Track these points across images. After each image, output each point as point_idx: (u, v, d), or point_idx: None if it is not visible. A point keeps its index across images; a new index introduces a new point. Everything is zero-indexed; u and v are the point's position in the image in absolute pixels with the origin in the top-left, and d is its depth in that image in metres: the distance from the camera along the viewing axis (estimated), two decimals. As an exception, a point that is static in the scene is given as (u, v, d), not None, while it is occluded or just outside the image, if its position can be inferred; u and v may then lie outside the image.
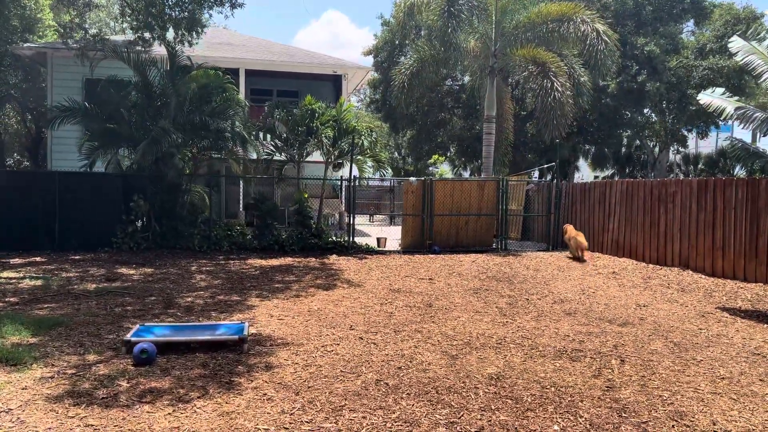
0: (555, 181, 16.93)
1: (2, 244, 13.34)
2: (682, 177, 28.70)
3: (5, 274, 10.52)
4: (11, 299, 8.43)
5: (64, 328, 6.86)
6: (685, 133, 29.50)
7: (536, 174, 28.83)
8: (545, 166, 20.96)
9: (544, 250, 15.92)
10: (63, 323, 7.06)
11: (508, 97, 21.23)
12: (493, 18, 18.19)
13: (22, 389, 4.89)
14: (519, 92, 28.42)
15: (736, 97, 9.15)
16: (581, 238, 14.00)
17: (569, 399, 5.02)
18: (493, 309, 8.65)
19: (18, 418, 4.32)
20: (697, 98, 9.36)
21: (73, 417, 4.36)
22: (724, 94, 9.10)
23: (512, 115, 21.49)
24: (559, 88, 16.62)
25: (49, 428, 4.16)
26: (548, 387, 5.31)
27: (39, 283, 9.73)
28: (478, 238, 16.16)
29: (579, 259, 13.80)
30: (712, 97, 8.95)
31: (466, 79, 29.31)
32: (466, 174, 35.72)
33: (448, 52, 18.43)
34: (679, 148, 30.78)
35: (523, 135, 27.47)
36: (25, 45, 19.39)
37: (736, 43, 8.91)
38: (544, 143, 25.52)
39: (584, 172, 42.35)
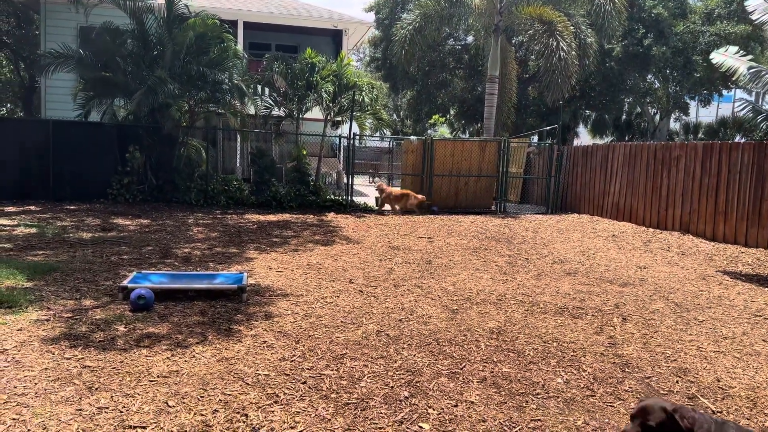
0: (557, 143, 16.74)
1: (-4, 192, 13.19)
2: (682, 145, 28.47)
3: (-1, 221, 10.38)
4: (5, 245, 8.30)
5: (59, 274, 6.75)
6: (688, 100, 29.15)
7: (535, 138, 28.58)
8: (546, 128, 20.70)
9: (543, 213, 15.85)
10: (58, 269, 6.95)
11: (512, 57, 20.83)
12: (500, -26, 17.70)
13: (18, 330, 4.81)
14: (522, 54, 27.94)
15: (750, 56, 8.91)
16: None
17: (572, 354, 4.98)
18: (492, 267, 8.59)
19: (13, 358, 4.24)
20: (710, 57, 9.13)
21: (69, 358, 4.28)
22: (737, 53, 8.87)
23: (516, 76, 21.12)
24: (565, 48, 16.28)
25: (45, 368, 4.08)
26: (550, 342, 5.26)
27: (33, 230, 9.59)
28: (477, 200, 16.05)
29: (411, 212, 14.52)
30: (726, 57, 8.73)
31: (469, 39, 28.76)
32: (465, 136, 35.38)
33: (452, 8, 17.99)
34: (682, 116, 30.47)
35: (524, 98, 27.10)
36: (18, -10, 18.83)
37: (753, 1, 8.64)
38: (545, 107, 25.21)
39: (583, 139, 42.07)
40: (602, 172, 14.59)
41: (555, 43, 16.42)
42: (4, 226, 9.89)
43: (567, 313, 6.25)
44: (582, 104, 29.30)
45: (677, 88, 27.37)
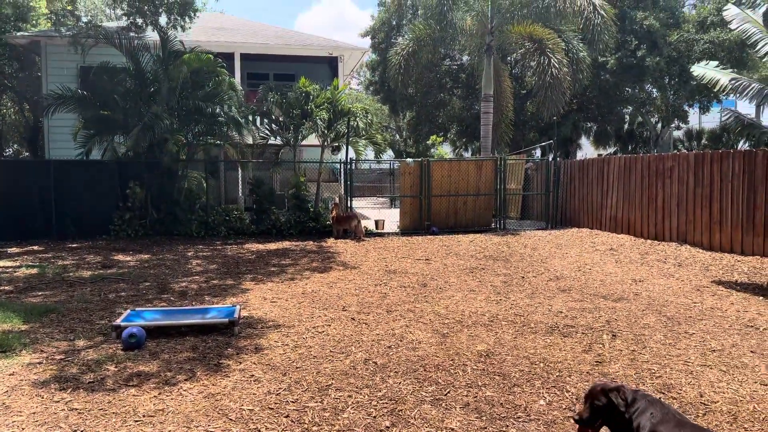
0: (554, 159, 16.81)
1: (0, 233, 13.38)
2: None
3: (1, 263, 10.55)
4: (6, 288, 8.44)
5: (56, 315, 6.87)
6: (687, 108, 29.20)
7: (538, 152, 28.67)
8: (545, 143, 20.82)
9: (543, 229, 15.87)
10: (55, 310, 7.07)
11: (506, 75, 20.99)
12: (489, -5, 17.94)
13: (9, 375, 4.90)
14: (518, 70, 28.15)
15: (731, 69, 9.00)
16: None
17: (557, 374, 5.01)
18: (487, 287, 8.63)
19: (3, 403, 4.33)
20: (691, 70, 9.22)
21: (58, 401, 4.37)
22: (718, 66, 8.96)
23: (511, 93, 21.28)
24: (556, 65, 16.44)
25: (34, 412, 4.17)
26: (537, 363, 5.29)
27: (35, 271, 9.75)
28: (477, 218, 16.11)
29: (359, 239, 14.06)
30: (706, 69, 8.82)
31: (465, 58, 29.05)
32: (467, 154, 35.53)
33: (444, 31, 18.24)
34: (680, 124, 30.52)
35: (523, 114, 27.24)
36: (19, 34, 19.25)
37: (730, 11, 8.75)
38: (544, 121, 25.37)
39: (587, 150, 42.09)
40: (599, 186, 14.64)
41: (546, 61, 16.59)
42: (6, 268, 10.06)
43: (557, 332, 6.28)
44: (581, 117, 29.42)
45: (675, 97, 27.44)
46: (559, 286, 8.66)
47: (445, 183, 15.75)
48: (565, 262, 10.82)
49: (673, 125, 31.10)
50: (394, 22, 29.47)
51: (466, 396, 4.55)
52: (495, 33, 18.20)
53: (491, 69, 18.43)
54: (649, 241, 12.48)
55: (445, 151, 37.88)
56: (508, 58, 26.36)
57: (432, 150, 38.56)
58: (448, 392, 4.62)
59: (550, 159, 16.82)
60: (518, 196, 18.12)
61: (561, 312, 7.12)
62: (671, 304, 7.51)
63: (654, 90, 28.87)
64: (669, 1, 26.29)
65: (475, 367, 5.18)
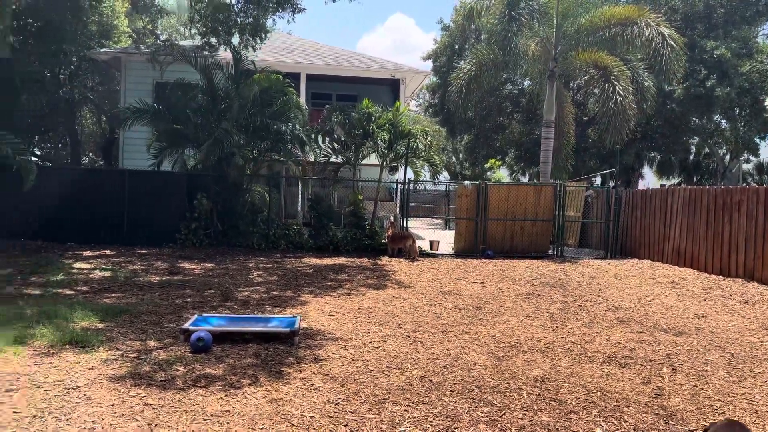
0: (614, 187, 16.54)
1: (76, 236, 14.18)
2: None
3: (78, 264, 11.19)
4: (82, 288, 8.98)
5: (128, 316, 7.27)
6: (758, 141, 28.17)
7: (598, 180, 28.22)
8: (606, 171, 20.50)
9: (602, 258, 15.58)
10: (128, 311, 7.49)
11: (568, 101, 20.87)
12: (554, 21, 17.96)
13: (89, 369, 5.25)
14: (581, 97, 27.89)
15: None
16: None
17: (615, 404, 4.98)
18: (543, 314, 8.58)
19: (84, 394, 4.65)
20: (766, 103, 9.00)
21: (133, 396, 4.66)
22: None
23: (573, 119, 21.12)
24: (621, 93, 16.25)
25: (112, 405, 4.47)
26: (594, 391, 5.27)
27: (108, 274, 10.30)
28: (534, 244, 15.97)
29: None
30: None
31: (526, 83, 28.99)
32: (525, 179, 35.25)
33: (507, 56, 18.31)
34: (750, 157, 29.41)
35: (584, 140, 26.91)
36: (102, 50, 20.47)
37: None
38: (605, 149, 24.95)
39: (649, 180, 41.02)
40: (662, 217, 14.30)
41: (611, 88, 16.43)
42: (83, 269, 10.67)
43: (615, 362, 6.21)
44: (644, 146, 28.79)
45: (745, 129, 26.53)
46: (617, 317, 8.53)
47: (503, 207, 15.71)
48: (623, 292, 10.63)
49: (742, 158, 30.03)
50: (456, 46, 29.76)
51: (522, 419, 4.58)
52: (559, 59, 18.17)
53: (553, 95, 18.37)
54: (713, 276, 12.10)
55: (502, 174, 37.69)
56: (571, 84, 26.20)
57: (488, 173, 38.43)
58: (504, 414, 4.67)
59: (611, 187, 16.54)
60: (577, 224, 17.86)
61: (619, 343, 7.03)
62: (736, 341, 7.30)
63: (723, 121, 28.00)
64: (741, 30, 25.57)
65: (530, 392, 5.20)
